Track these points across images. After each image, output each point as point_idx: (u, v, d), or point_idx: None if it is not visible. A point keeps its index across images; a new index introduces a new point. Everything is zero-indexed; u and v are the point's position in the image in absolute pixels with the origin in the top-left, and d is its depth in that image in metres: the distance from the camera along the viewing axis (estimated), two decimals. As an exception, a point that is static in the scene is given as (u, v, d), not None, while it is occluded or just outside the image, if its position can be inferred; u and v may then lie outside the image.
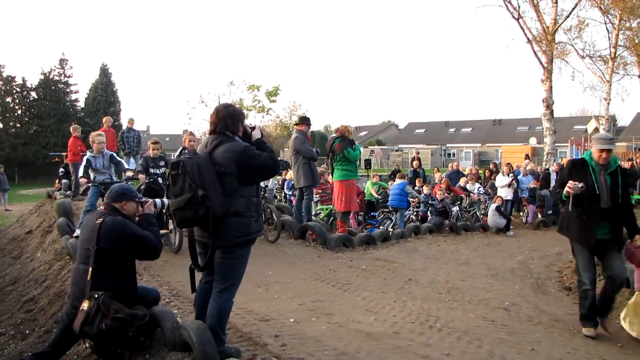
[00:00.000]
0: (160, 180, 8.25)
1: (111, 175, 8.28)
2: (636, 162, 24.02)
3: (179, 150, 9.26)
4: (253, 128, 3.99)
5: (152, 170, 8.19)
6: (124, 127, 15.53)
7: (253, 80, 44.33)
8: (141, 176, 8.09)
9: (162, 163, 8.38)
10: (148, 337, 4.21)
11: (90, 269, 3.95)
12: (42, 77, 44.08)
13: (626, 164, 22.09)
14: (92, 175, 8.14)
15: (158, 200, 4.77)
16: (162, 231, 8.12)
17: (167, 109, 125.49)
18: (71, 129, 12.92)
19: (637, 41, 21.82)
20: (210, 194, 3.52)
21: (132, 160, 14.52)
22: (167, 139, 49.70)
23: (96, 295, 3.86)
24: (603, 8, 20.62)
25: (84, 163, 8.11)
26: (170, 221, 8.28)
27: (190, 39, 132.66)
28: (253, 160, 3.68)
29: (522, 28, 17.94)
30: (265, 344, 4.34)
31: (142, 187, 8.30)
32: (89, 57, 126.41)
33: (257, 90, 38.70)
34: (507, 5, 17.78)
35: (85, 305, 3.87)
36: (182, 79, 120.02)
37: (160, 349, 4.02)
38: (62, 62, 45.84)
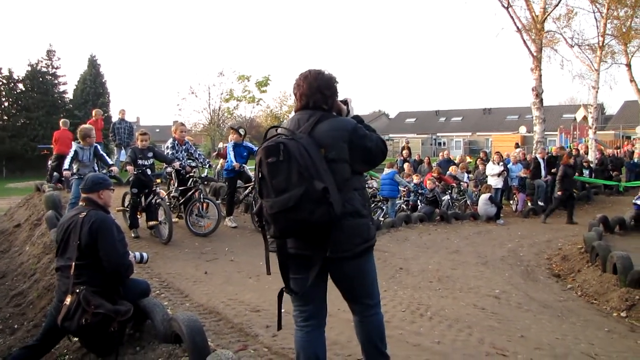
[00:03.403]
0: (149, 171, 8.21)
1: (94, 168, 8.23)
2: (623, 149, 24.23)
3: (169, 141, 9.22)
4: (346, 101, 3.14)
5: (140, 162, 8.14)
6: (116, 119, 15.44)
7: (243, 71, 44.11)
8: (130, 167, 8.06)
9: (150, 154, 8.33)
10: (138, 329, 4.20)
11: (73, 264, 3.91)
12: (29, 68, 43.53)
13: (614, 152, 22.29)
14: (75, 167, 8.08)
15: (137, 254, 4.60)
16: (152, 222, 8.13)
17: (157, 100, 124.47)
18: (61, 122, 12.78)
19: (624, 30, 21.90)
20: (328, 186, 2.64)
21: (122, 152, 14.45)
22: (157, 130, 49.40)
23: (78, 291, 3.82)
24: (591, -4, 20.65)
25: (70, 154, 8.05)
26: (160, 211, 8.28)
27: (179, 29, 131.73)
28: (365, 141, 2.89)
29: (511, 17, 17.91)
30: (256, 335, 4.34)
31: (131, 178, 8.27)
32: (77, 48, 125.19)
33: (247, 80, 38.44)
34: (496, -6, 17.74)
35: (68, 300, 3.83)
36: (172, 70, 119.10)
37: (151, 341, 4.01)
38: (50, 53, 45.26)
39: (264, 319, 4.75)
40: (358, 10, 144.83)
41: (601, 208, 14.75)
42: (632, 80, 23.86)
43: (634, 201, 10.98)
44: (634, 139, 27.77)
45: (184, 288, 5.92)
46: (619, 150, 23.39)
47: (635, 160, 20.55)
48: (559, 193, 12.25)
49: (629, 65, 23.54)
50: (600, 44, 21.09)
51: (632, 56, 23.55)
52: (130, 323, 4.11)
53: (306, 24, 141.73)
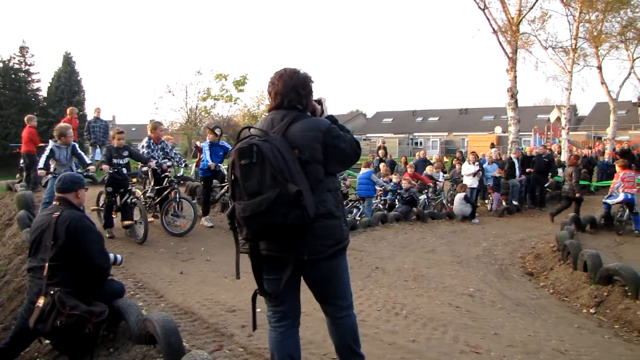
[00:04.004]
0: (124, 170, 8.13)
1: (72, 168, 8.11)
2: (595, 150, 24.72)
3: (145, 140, 9.13)
4: (320, 101, 3.07)
5: (115, 161, 8.04)
6: (91, 117, 15.24)
7: (221, 70, 43.85)
8: (105, 166, 7.97)
9: (125, 153, 8.24)
10: (112, 330, 4.16)
11: (47, 264, 3.85)
12: (0, 65, 42.71)
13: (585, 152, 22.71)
14: (52, 166, 7.96)
15: (112, 255, 4.54)
16: (127, 222, 8.05)
17: (134, 98, 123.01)
18: (26, 119, 12.48)
19: (595, 33, 22.36)
20: (302, 189, 2.60)
21: (98, 150, 14.27)
22: (134, 129, 48.78)
23: (52, 292, 3.76)
24: (565, 0, 21.01)
25: (46, 153, 7.91)
26: (135, 210, 8.19)
27: (156, 27, 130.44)
28: (339, 142, 2.83)
29: (487, 18, 18.08)
30: (231, 335, 4.33)
31: (106, 177, 8.17)
32: (52, 45, 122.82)
33: (224, 79, 38.28)
34: (473, -5, 17.91)
35: (40, 301, 3.77)
36: (149, 68, 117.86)
37: (125, 342, 3.98)
38: (23, 49, 44.42)
39: (240, 318, 4.74)
40: (336, 10, 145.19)
41: (573, 207, 14.99)
42: (602, 82, 24.43)
43: (604, 200, 11.20)
44: (604, 139, 28.34)
45: (159, 288, 5.88)
46: (590, 150, 23.82)
47: (606, 160, 20.96)
48: (577, 195, 12.14)
49: (600, 68, 24.10)
50: (573, 47, 21.46)
51: (602, 59, 24.14)
52: (104, 324, 4.07)
53: (284, 23, 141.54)
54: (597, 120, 41.53)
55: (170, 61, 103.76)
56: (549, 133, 29.11)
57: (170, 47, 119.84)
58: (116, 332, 4.17)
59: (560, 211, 12.39)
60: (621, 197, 10.46)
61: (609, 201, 10.87)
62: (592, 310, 5.90)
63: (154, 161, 8.65)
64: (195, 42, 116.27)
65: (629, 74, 26.42)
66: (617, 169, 11.28)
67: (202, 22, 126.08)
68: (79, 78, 47.01)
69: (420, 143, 51.11)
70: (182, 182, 11.62)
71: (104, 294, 4.13)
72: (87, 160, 8.65)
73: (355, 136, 3.05)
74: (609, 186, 11.53)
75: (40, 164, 7.91)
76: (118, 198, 8.11)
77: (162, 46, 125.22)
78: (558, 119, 24.03)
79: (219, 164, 9.35)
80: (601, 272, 6.29)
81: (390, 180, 13.37)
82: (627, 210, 10.58)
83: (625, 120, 34.64)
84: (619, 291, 5.92)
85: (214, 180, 9.85)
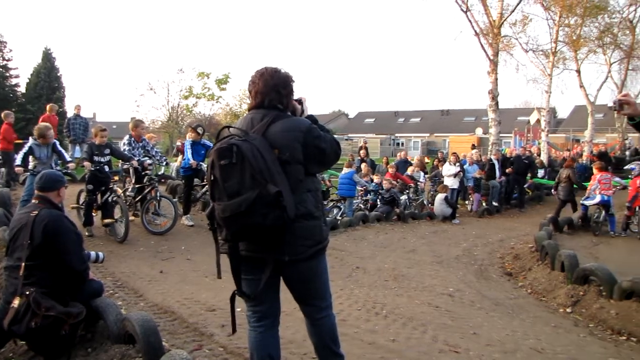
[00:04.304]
0: (106, 168, 8.06)
1: (52, 165, 8.02)
2: (573, 152, 25.09)
3: (126, 138, 9.05)
4: (300, 101, 3.06)
5: (96, 158, 7.97)
6: (71, 114, 15.06)
7: (203, 68, 43.55)
8: (86, 164, 7.89)
9: (107, 151, 8.16)
10: (90, 330, 4.11)
11: (23, 264, 3.79)
12: (-23, 60, 42.01)
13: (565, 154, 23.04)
14: (32, 164, 7.86)
15: (93, 253, 4.51)
16: (107, 220, 7.98)
17: (115, 96, 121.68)
18: (2, 115, 12.27)
19: (574, 37, 22.71)
20: (282, 189, 2.58)
21: (77, 148, 14.10)
22: (115, 126, 48.18)
23: (27, 292, 3.70)
24: (545, 4, 21.30)
25: (24, 150, 7.81)
26: (116, 209, 8.13)
27: (138, 24, 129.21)
28: (319, 142, 2.81)
29: (469, 21, 18.26)
30: (211, 334, 4.32)
31: (87, 175, 8.09)
32: (31, 40, 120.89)
33: (206, 77, 38.09)
34: (455, -2, 18.07)
35: (16, 302, 3.69)
36: (130, 66, 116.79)
37: (103, 342, 3.93)
38: (0, 44, 43.69)
39: (220, 318, 4.73)
40: (319, 10, 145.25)
41: (552, 208, 15.17)
42: (581, 85, 24.81)
43: (581, 202, 11.38)
44: (582, 142, 28.77)
45: (138, 287, 5.84)
46: (569, 152, 24.18)
47: (584, 162, 21.29)
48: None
49: (578, 72, 24.47)
50: (553, 50, 21.78)
51: (581, 63, 24.54)
52: (82, 324, 4.02)
53: (267, 22, 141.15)
54: (575, 122, 42.09)
55: (152, 59, 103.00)
56: (529, 135, 29.42)
57: (152, 45, 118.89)
58: (94, 331, 4.13)
59: (558, 214, 12.42)
60: (598, 198, 10.64)
61: (586, 203, 11.04)
62: (568, 310, 5.99)
63: (136, 159, 8.60)
64: (178, 40, 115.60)
65: (606, 78, 26.99)
66: (595, 171, 11.47)
67: (184, 20, 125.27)
68: (59, 74, 46.30)
69: (402, 144, 51.33)
70: (162, 180, 11.55)
71: (82, 293, 4.08)
72: (68, 157, 8.55)
73: (337, 136, 3.07)
74: (586, 188, 11.69)
75: (18, 160, 7.81)
76: (99, 196, 8.04)
77: (144, 43, 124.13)
78: (538, 121, 24.32)
79: (201, 163, 9.32)
80: (578, 272, 6.39)
81: (372, 181, 13.43)
82: (604, 212, 10.76)
83: (602, 123, 35.17)
84: (594, 291, 6.02)
85: (195, 179, 9.81)
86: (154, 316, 4.45)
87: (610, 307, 5.59)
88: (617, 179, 12.40)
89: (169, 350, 3.45)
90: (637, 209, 10.29)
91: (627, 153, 26.94)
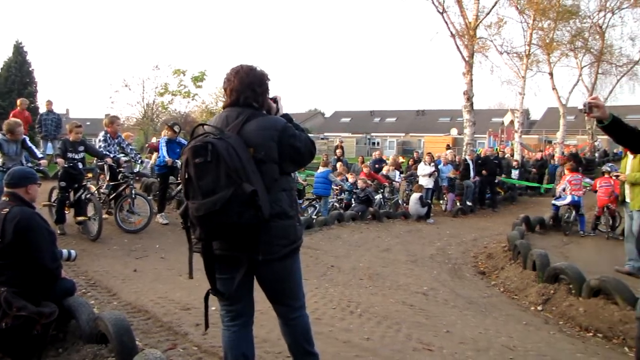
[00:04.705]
0: (79, 165, 7.94)
1: (22, 162, 7.87)
2: (545, 153, 25.53)
3: (101, 135, 8.93)
4: (275, 99, 3.04)
5: (70, 155, 7.86)
6: (43, 110, 14.78)
7: (179, 65, 43.20)
8: (60, 160, 7.78)
9: (81, 148, 8.05)
10: (62, 330, 4.05)
11: None
12: (-55, 53, 40.94)
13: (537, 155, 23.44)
14: (0, 160, 7.70)
15: (65, 251, 4.43)
16: (80, 218, 7.87)
17: (89, 91, 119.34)
18: None
19: (547, 41, 23.13)
20: (257, 188, 2.57)
21: (49, 144, 13.85)
22: (88, 123, 47.39)
23: None
24: (519, 8, 21.60)
25: None
26: (90, 206, 8.01)
27: (114, 18, 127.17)
28: (294, 141, 2.81)
29: (446, 22, 18.34)
30: (185, 333, 4.30)
31: (60, 172, 7.97)
32: (1, 34, 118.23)
33: (182, 74, 37.78)
34: (432, -1, 18.20)
35: None
36: (105, 61, 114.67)
37: (75, 342, 3.88)
38: (-31, 38, 42.80)
39: (194, 317, 4.70)
40: (296, 9, 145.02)
41: (524, 208, 15.47)
42: (554, 88, 25.28)
43: (552, 202, 11.59)
44: (554, 143, 29.29)
45: (112, 286, 5.78)
46: (542, 153, 24.61)
47: (556, 163, 21.68)
48: None
49: (551, 74, 24.95)
50: (527, 53, 22.12)
51: (554, 66, 25.02)
52: (54, 324, 3.96)
53: (243, 20, 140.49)
54: (548, 124, 42.83)
55: (127, 55, 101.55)
56: (502, 136, 29.82)
57: (127, 40, 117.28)
58: (66, 331, 4.07)
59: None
60: (568, 199, 10.88)
61: (557, 203, 11.27)
62: (539, 308, 6.09)
63: (112, 156, 8.50)
64: (154, 36, 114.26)
65: (578, 81, 27.52)
66: (566, 172, 11.71)
67: (161, 16, 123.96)
68: (30, 69, 45.22)
69: (378, 143, 51.59)
70: (137, 178, 11.43)
71: (54, 292, 4.02)
72: (39, 154, 8.40)
73: (312, 135, 3.07)
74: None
75: None
76: (72, 193, 7.93)
77: (119, 39, 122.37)
78: (512, 122, 24.70)
79: (176, 160, 9.25)
80: (548, 271, 6.50)
81: (347, 180, 13.49)
82: (574, 212, 10.99)
83: (573, 125, 35.81)
84: (564, 289, 6.14)
85: (171, 177, 9.74)
86: (128, 315, 4.40)
87: (579, 304, 5.71)
88: (587, 179, 12.67)
89: (143, 350, 3.42)
90: (605, 209, 10.53)
91: (597, 155, 27.57)
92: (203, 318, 2.92)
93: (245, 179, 2.53)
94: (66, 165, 7.77)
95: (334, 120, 62.03)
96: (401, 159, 20.59)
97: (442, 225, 12.69)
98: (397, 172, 15.58)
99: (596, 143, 31.06)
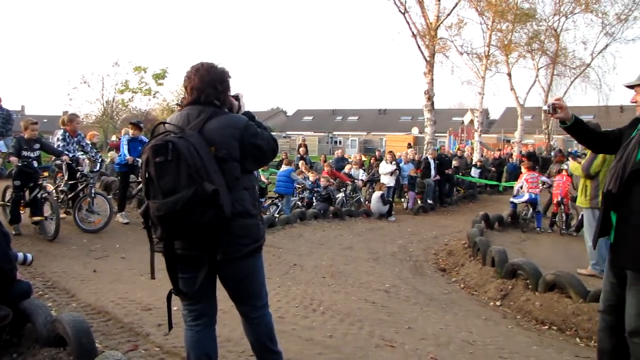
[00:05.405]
0: (34, 163, 7.73)
1: None
2: (504, 152, 26.12)
3: (60, 133, 8.70)
4: (237, 97, 2.99)
5: (25, 153, 7.64)
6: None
7: (140, 62, 42.52)
8: (13, 159, 7.56)
9: (37, 146, 7.84)
10: (16, 334, 3.93)
11: None
12: None
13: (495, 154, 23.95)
14: None
15: (20, 254, 4.31)
16: (36, 218, 7.66)
17: (45, 88, 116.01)
18: None
19: (506, 42, 23.71)
20: (219, 187, 2.53)
21: (1, 142, 13.40)
22: (45, 120, 46.20)
23: None
24: (479, 9, 22.09)
25: None
26: (46, 206, 7.82)
27: (72, 12, 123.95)
28: (256, 139, 2.78)
29: (407, 22, 18.55)
30: (147, 334, 4.23)
31: (14, 170, 7.75)
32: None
33: (143, 72, 37.26)
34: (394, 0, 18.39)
35: None
36: (63, 56, 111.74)
37: (31, 346, 3.75)
38: None
39: (156, 317, 4.64)
40: (257, 7, 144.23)
41: (483, 206, 15.77)
42: (512, 88, 25.93)
43: (510, 200, 11.88)
44: (512, 142, 30.02)
45: (70, 287, 5.65)
46: (500, 152, 25.19)
47: (514, 162, 22.22)
48: None
49: (509, 75, 25.60)
50: (486, 54, 22.63)
51: (512, 67, 25.68)
52: (7, 328, 3.84)
53: (205, 18, 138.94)
54: (506, 123, 43.82)
55: (86, 51, 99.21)
56: (462, 135, 30.40)
57: (86, 36, 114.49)
58: (21, 335, 3.94)
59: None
60: (526, 197, 11.17)
61: (515, 200, 11.55)
62: (498, 303, 6.25)
63: (71, 154, 8.31)
64: (114, 32, 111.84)
65: (534, 82, 28.33)
66: (523, 170, 12.02)
67: (121, 11, 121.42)
68: (-21, 62, 43.80)
69: (340, 142, 51.83)
70: (100, 176, 11.21)
71: (8, 295, 3.90)
72: None
73: (275, 134, 3.07)
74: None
75: None
76: (27, 192, 7.71)
77: (78, 34, 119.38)
78: (471, 121, 25.21)
79: (137, 159, 9.11)
80: (507, 267, 6.67)
81: (308, 178, 13.52)
82: (531, 209, 11.29)
83: (531, 124, 36.76)
84: (521, 284, 6.31)
85: (132, 176, 9.59)
86: (87, 317, 4.32)
87: (535, 299, 5.88)
88: (543, 178, 13.03)
89: (103, 352, 3.35)
90: (560, 206, 10.86)
91: (552, 154, 28.37)
92: (165, 318, 2.89)
93: (207, 178, 2.50)
94: (20, 164, 7.55)
95: (296, 119, 62.05)
96: (363, 158, 20.77)
97: (403, 223, 12.82)
98: (361, 171, 15.69)
99: (552, 142, 31.99)
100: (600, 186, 6.64)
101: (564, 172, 11.27)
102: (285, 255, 8.00)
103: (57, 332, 3.55)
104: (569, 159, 8.90)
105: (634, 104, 3.22)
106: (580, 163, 6.99)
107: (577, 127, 3.38)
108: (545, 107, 3.41)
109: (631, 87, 3.21)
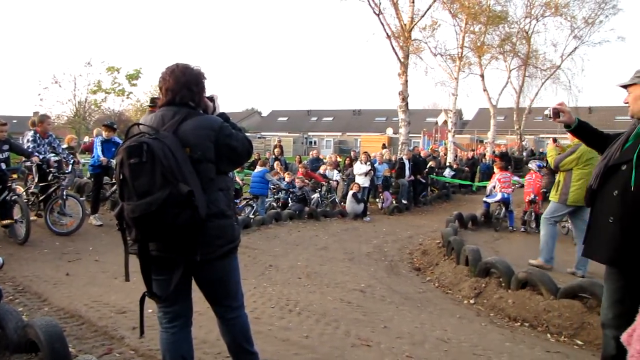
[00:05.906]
0: (3, 165, 7.57)
1: None
2: (477, 152, 26.45)
3: (30, 134, 8.55)
4: (212, 98, 3.00)
5: None
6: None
7: (113, 62, 42.01)
8: None
9: (5, 147, 7.68)
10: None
11: None
12: None
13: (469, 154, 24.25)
14: None
15: None
16: (6, 221, 7.51)
17: (15, 88, 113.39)
18: None
19: (479, 44, 24.05)
20: (193, 189, 2.54)
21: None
22: (15, 121, 45.24)
23: None
24: (452, 11, 22.34)
25: None
26: (16, 208, 7.67)
27: (43, 10, 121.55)
28: (230, 140, 2.78)
29: (382, 24, 18.64)
30: (122, 337, 4.19)
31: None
32: None
33: (117, 72, 36.80)
34: (369, 1, 18.49)
35: None
36: (34, 56, 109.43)
37: (1, 353, 3.69)
38: None
39: (131, 320, 4.60)
40: (233, 7, 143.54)
41: (457, 206, 15.96)
42: (485, 89, 26.29)
43: (483, 199, 12.06)
44: (485, 142, 30.45)
45: (42, 291, 5.55)
46: (473, 152, 25.52)
47: (487, 162, 22.54)
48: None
49: (482, 76, 25.96)
50: (460, 55, 22.92)
51: (485, 68, 26.07)
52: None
53: (180, 18, 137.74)
54: (479, 124, 44.35)
55: (57, 49, 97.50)
56: (436, 135, 30.71)
57: (58, 35, 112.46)
58: (-10, 342, 3.88)
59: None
60: (499, 196, 11.35)
61: (488, 200, 11.72)
62: (472, 301, 6.33)
63: (41, 156, 8.17)
64: (86, 31, 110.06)
65: (507, 83, 28.79)
66: (495, 170, 12.21)
67: (94, 10, 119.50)
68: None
69: (315, 142, 51.89)
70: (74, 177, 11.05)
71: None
72: None
73: (249, 135, 3.08)
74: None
75: None
76: (-5, 195, 7.55)
77: (50, 33, 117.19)
78: (445, 122, 25.52)
79: (111, 160, 9.01)
80: (480, 266, 6.76)
81: (284, 179, 13.52)
82: (504, 209, 11.46)
83: (503, 125, 37.37)
84: (494, 282, 6.41)
85: (105, 177, 9.48)
86: (60, 321, 4.26)
87: (508, 296, 5.98)
88: (515, 177, 13.25)
89: (77, 356, 3.32)
90: (530, 204, 11.07)
91: (524, 154, 28.88)
92: (131, 314, 2.87)
93: (182, 180, 2.50)
94: None
95: (271, 120, 61.92)
96: (338, 158, 20.84)
97: (378, 223, 12.90)
98: (335, 172, 15.74)
99: (524, 142, 32.53)
100: (571, 184, 6.80)
101: (532, 171, 11.47)
102: (260, 256, 7.98)
103: (28, 338, 3.47)
104: (550, 140, 9.04)
105: (626, 104, 3.13)
106: (559, 154, 7.10)
107: (581, 129, 3.40)
108: (546, 112, 3.43)
109: (625, 87, 3.14)
